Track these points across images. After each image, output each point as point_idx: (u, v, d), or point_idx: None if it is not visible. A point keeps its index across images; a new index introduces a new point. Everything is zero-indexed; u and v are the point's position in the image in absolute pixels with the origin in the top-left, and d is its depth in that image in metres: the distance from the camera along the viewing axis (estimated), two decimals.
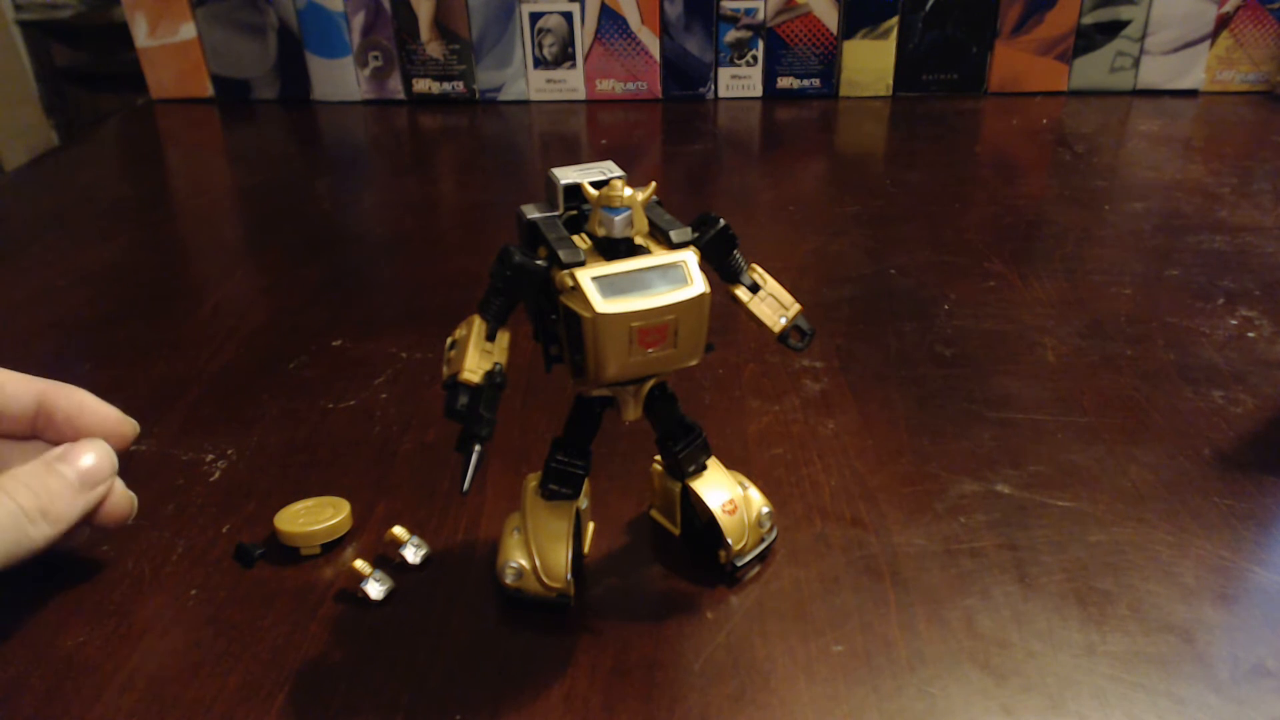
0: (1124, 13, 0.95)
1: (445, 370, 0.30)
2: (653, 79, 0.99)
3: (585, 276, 0.29)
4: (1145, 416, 0.45)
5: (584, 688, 0.31)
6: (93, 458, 0.35)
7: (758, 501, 0.36)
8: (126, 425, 0.37)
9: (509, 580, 0.34)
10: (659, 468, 0.38)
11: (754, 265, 0.35)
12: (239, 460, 0.43)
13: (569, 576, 0.33)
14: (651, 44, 0.97)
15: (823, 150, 0.87)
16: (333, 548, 0.38)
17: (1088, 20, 0.96)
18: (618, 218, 0.30)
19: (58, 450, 0.34)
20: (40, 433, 0.36)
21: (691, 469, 0.35)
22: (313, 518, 0.38)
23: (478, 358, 0.30)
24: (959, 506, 0.39)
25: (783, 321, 0.35)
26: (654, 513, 0.39)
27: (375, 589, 0.35)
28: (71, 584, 0.36)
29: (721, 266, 0.34)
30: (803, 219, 0.70)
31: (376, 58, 0.99)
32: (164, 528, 0.39)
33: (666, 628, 0.34)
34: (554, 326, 0.31)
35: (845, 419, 0.45)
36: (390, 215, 0.73)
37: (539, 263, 0.30)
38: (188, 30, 0.99)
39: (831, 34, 0.97)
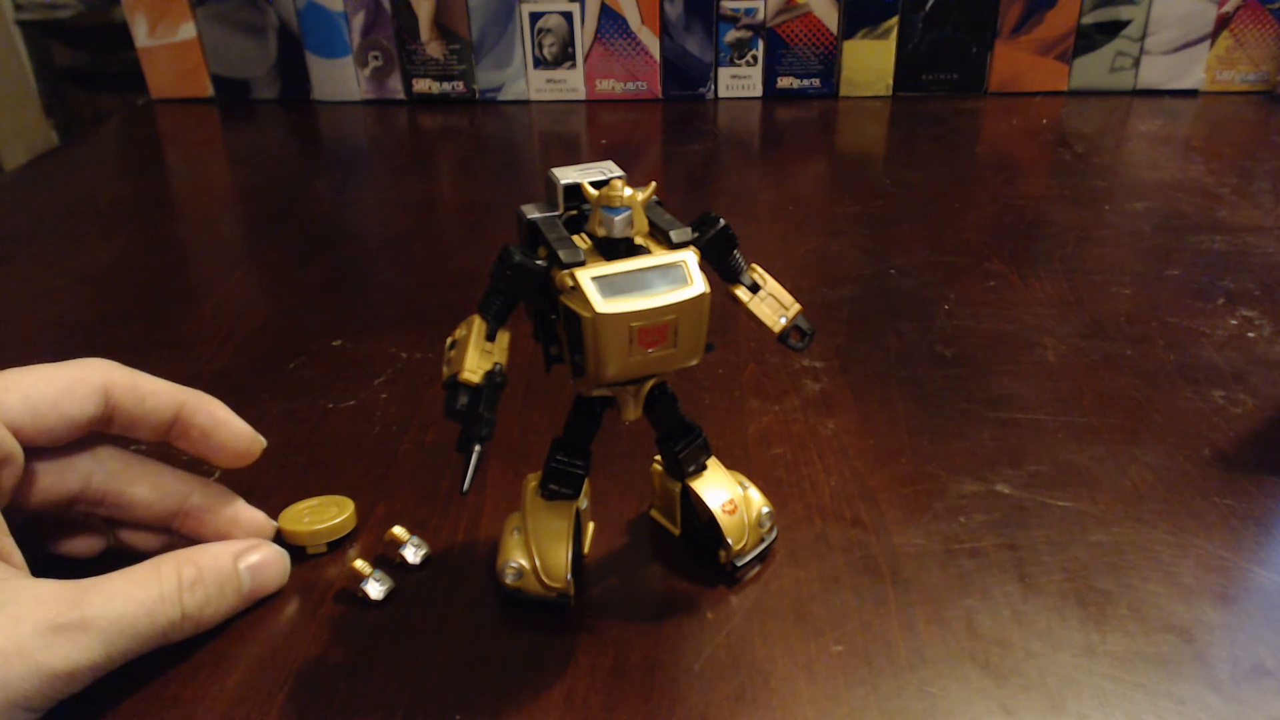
0: (1124, 13, 0.95)
1: (445, 370, 0.30)
2: (653, 79, 0.99)
3: (585, 276, 0.29)
4: (1145, 416, 0.45)
5: (584, 688, 0.31)
6: (277, 581, 0.35)
7: (758, 501, 0.36)
8: (257, 444, 0.37)
9: (509, 580, 0.34)
10: (659, 468, 0.38)
11: (754, 265, 0.35)
12: None
13: (569, 576, 0.33)
14: (651, 44, 0.97)
15: (823, 150, 0.87)
16: (337, 546, 0.38)
17: (1088, 20, 0.96)
18: (618, 218, 0.30)
19: (248, 550, 0.34)
20: (173, 441, 0.36)
21: (691, 469, 0.35)
22: (318, 517, 0.38)
23: (478, 358, 0.30)
24: (959, 506, 0.39)
25: (783, 321, 0.35)
26: (654, 513, 0.39)
27: (375, 589, 0.35)
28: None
29: (721, 266, 0.34)
30: (803, 219, 0.70)
31: (376, 58, 0.99)
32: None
33: (666, 628, 0.34)
34: (554, 326, 0.31)
35: (845, 419, 0.45)
36: (390, 215, 0.73)
37: (539, 263, 0.30)
38: (188, 30, 0.99)
39: (831, 34, 0.97)
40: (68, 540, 0.36)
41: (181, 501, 0.36)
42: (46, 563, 0.35)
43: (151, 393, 0.35)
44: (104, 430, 0.34)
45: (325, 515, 0.38)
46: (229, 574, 0.33)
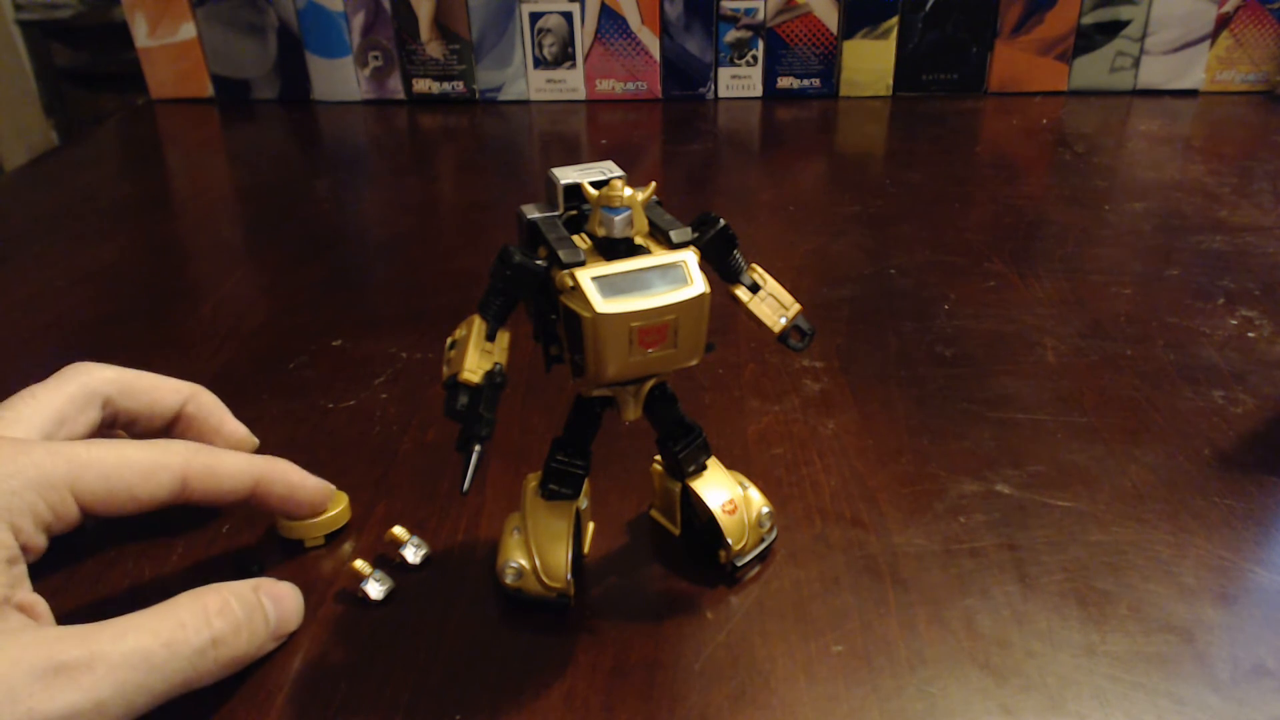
0: (1124, 13, 0.95)
1: (445, 370, 0.30)
2: (653, 79, 0.99)
3: (585, 276, 0.29)
4: (1145, 416, 0.45)
5: (584, 688, 0.31)
6: (296, 616, 0.34)
7: (758, 501, 0.36)
8: (328, 496, 0.38)
9: (509, 580, 0.34)
10: (659, 468, 0.38)
11: (754, 265, 0.35)
12: None
13: (569, 576, 0.33)
14: (651, 44, 0.97)
15: (823, 150, 0.87)
16: (334, 539, 0.38)
17: (1088, 20, 0.96)
18: (618, 218, 0.30)
19: (270, 584, 0.33)
20: (253, 507, 0.36)
21: (691, 469, 0.35)
22: None
23: (478, 358, 0.30)
24: (959, 506, 0.39)
25: (783, 321, 0.35)
26: (654, 513, 0.39)
27: (375, 589, 0.35)
28: (71, 585, 0.36)
29: (721, 266, 0.34)
30: (803, 219, 0.70)
31: (376, 58, 0.99)
32: (163, 528, 0.39)
33: (666, 628, 0.34)
34: (554, 326, 0.31)
35: (845, 419, 0.45)
36: (390, 215, 0.73)
37: (539, 263, 0.30)
38: (188, 30, 0.99)
39: (831, 34, 0.97)
40: None
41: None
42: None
43: (228, 475, 0.34)
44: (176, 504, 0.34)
45: None
46: (255, 603, 0.32)
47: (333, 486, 0.38)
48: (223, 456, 0.35)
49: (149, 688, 0.27)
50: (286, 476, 0.36)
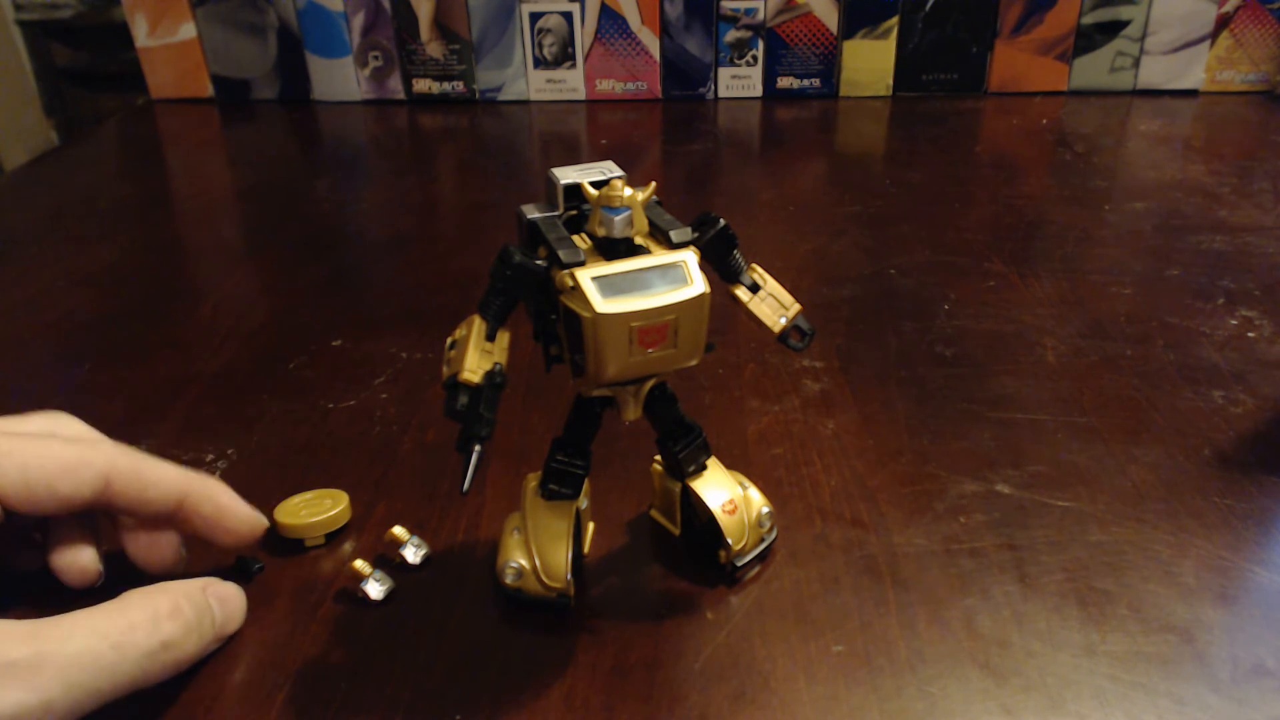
0: (1124, 13, 0.95)
1: (445, 370, 0.30)
2: (653, 79, 0.99)
3: (585, 276, 0.29)
4: (1145, 416, 0.45)
5: (584, 688, 0.31)
6: (239, 617, 0.33)
7: (758, 501, 0.36)
8: (259, 527, 0.36)
9: (509, 580, 0.34)
10: (659, 468, 0.38)
11: (754, 265, 0.35)
12: (239, 460, 0.43)
13: (569, 576, 0.33)
14: (651, 44, 0.97)
15: (823, 150, 0.87)
16: (334, 538, 0.38)
17: (1088, 20, 0.96)
18: (618, 218, 0.30)
19: (211, 583, 0.33)
20: (176, 525, 0.35)
21: (691, 469, 0.35)
22: (313, 509, 0.38)
23: (478, 358, 0.30)
24: (959, 506, 0.39)
25: (783, 321, 0.35)
26: (654, 513, 0.39)
27: (375, 589, 0.35)
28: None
29: (721, 266, 0.34)
30: (803, 219, 0.70)
31: (376, 58, 0.99)
32: None
33: (666, 628, 0.34)
34: (554, 326, 0.31)
35: (845, 419, 0.45)
36: (390, 215, 0.73)
37: (539, 263, 0.30)
38: (188, 30, 0.99)
39: (831, 34, 0.97)
40: (62, 559, 0.35)
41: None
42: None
43: (154, 482, 0.34)
44: (100, 511, 0.34)
45: (321, 508, 0.38)
46: (204, 605, 0.32)
47: (265, 521, 0.37)
48: (151, 462, 0.34)
49: (96, 689, 0.27)
50: (216, 497, 0.35)
